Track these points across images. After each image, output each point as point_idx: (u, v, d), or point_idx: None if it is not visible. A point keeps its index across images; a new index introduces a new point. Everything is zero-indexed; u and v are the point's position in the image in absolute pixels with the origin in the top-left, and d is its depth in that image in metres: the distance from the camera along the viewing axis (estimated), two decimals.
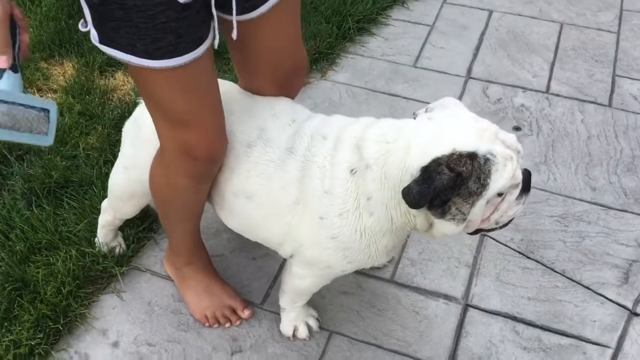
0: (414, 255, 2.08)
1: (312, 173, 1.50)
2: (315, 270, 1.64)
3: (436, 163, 1.33)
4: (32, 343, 1.75)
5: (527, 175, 1.45)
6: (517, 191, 1.42)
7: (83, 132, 2.37)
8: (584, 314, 1.93)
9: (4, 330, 1.78)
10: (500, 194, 1.40)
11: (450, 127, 1.39)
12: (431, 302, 1.96)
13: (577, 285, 2.01)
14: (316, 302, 1.94)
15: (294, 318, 1.83)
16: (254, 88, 1.67)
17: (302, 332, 1.84)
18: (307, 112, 1.66)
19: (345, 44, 2.96)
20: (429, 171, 1.33)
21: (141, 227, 2.08)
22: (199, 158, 1.51)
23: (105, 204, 1.93)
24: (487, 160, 1.34)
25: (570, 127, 2.57)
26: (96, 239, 2.01)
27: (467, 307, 1.94)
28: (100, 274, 1.97)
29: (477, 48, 2.98)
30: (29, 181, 2.17)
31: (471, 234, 1.53)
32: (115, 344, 1.83)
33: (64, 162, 2.23)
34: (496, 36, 3.05)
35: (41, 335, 1.78)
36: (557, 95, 2.72)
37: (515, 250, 2.10)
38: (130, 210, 1.87)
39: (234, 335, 1.86)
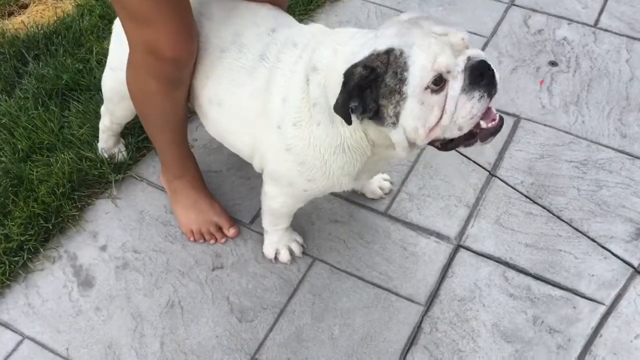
0: (413, 189, 2.00)
1: (275, 80, 1.45)
2: (281, 188, 1.60)
3: (353, 66, 1.26)
4: (22, 239, 1.82)
5: (476, 64, 1.23)
6: (457, 84, 1.24)
7: (100, 37, 2.36)
8: (582, 266, 1.82)
9: None
10: (432, 90, 1.23)
11: (382, 33, 1.30)
12: (422, 239, 1.89)
13: (582, 236, 1.89)
14: (305, 228, 1.91)
15: (276, 241, 1.81)
16: None
17: (284, 256, 1.82)
18: (291, 21, 1.59)
19: None
20: (346, 75, 1.26)
21: (142, 136, 2.08)
22: (164, 58, 1.48)
23: (103, 108, 1.93)
24: (402, 52, 1.23)
25: (613, 66, 2.36)
26: (98, 144, 2.03)
27: (458, 247, 1.87)
28: (97, 179, 2.00)
29: None
30: (41, 81, 2.20)
31: (443, 149, 1.36)
32: (103, 248, 1.88)
33: (76, 65, 2.23)
34: None
35: (32, 232, 1.84)
36: (606, 30, 2.49)
37: (522, 193, 1.99)
38: (122, 113, 1.85)
39: (217, 251, 1.87)
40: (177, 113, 1.69)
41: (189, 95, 1.66)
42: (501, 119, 1.33)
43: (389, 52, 1.25)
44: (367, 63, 1.26)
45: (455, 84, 1.24)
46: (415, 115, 1.26)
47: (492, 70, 1.26)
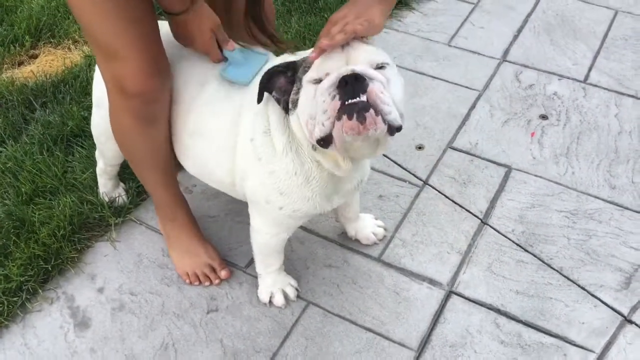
0: (407, 236, 2.04)
1: (248, 99, 1.55)
2: (261, 214, 1.65)
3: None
4: (22, 279, 1.85)
5: (351, 75, 1.31)
6: (329, 80, 1.33)
7: None
8: (573, 314, 1.84)
9: None
10: (314, 81, 1.37)
11: None
12: (414, 284, 1.92)
13: (572, 284, 1.92)
14: (299, 272, 1.95)
15: (270, 284, 1.84)
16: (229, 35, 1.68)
17: (278, 300, 1.85)
18: (269, 55, 1.69)
19: None
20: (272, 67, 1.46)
21: None
22: (130, 93, 1.54)
23: (97, 151, 2.00)
24: (304, 59, 1.43)
25: (602, 120, 2.43)
26: (99, 189, 2.09)
27: (450, 293, 1.90)
28: (97, 222, 2.05)
29: (519, 30, 2.85)
30: (47, 128, 2.27)
31: (322, 145, 1.39)
32: (100, 290, 1.91)
33: (81, 113, 2.31)
34: (542, 19, 2.91)
35: (31, 273, 1.87)
36: (595, 85, 2.57)
37: (513, 241, 2.03)
38: (112, 154, 1.90)
39: (213, 294, 1.90)
40: (158, 151, 1.74)
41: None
42: (360, 123, 1.33)
43: (304, 58, 1.44)
44: (291, 63, 1.45)
45: (326, 82, 1.35)
46: (304, 102, 1.40)
47: (364, 84, 1.31)
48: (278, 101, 1.47)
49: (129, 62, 1.49)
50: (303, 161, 1.51)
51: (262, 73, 1.58)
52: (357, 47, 1.38)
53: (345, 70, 1.33)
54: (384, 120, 1.32)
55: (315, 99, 1.35)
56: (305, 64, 1.41)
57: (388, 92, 1.34)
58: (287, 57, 1.61)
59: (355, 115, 1.30)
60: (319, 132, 1.35)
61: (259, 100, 1.47)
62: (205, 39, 1.59)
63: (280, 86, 1.45)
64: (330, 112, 1.32)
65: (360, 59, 1.36)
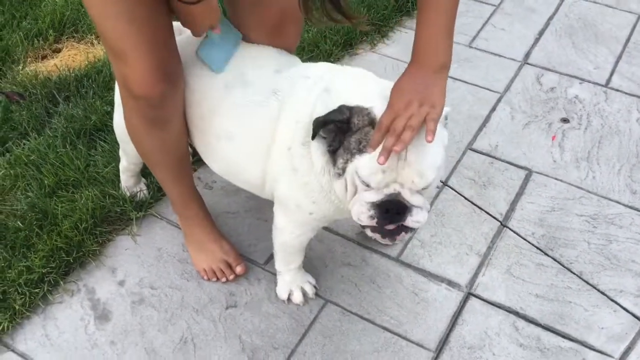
0: (425, 237, 2.04)
1: (289, 107, 1.54)
2: (289, 215, 1.65)
3: (346, 106, 1.40)
4: (44, 271, 1.87)
5: (394, 203, 1.39)
6: (372, 195, 1.40)
7: None
8: (592, 319, 1.84)
9: (20, 256, 1.90)
10: (362, 182, 1.40)
11: (380, 90, 1.45)
12: (433, 285, 1.92)
13: (592, 289, 1.91)
14: (318, 270, 1.95)
15: (289, 282, 1.85)
16: (243, 34, 1.67)
17: (297, 297, 1.86)
18: (296, 60, 1.69)
19: (401, 18, 2.91)
20: (338, 108, 1.41)
21: None
22: (135, 96, 1.54)
23: (120, 150, 2.01)
24: (359, 127, 1.40)
25: (624, 125, 2.41)
26: (121, 183, 2.11)
27: (469, 295, 1.90)
28: (119, 216, 2.06)
29: (541, 33, 2.84)
30: (70, 121, 2.29)
31: (363, 228, 1.51)
32: (121, 283, 1.93)
33: (104, 107, 2.33)
34: (564, 22, 2.89)
35: (53, 265, 1.89)
36: (617, 90, 2.56)
37: (533, 245, 2.02)
38: (133, 152, 1.89)
39: (232, 290, 1.91)
40: (169, 152, 1.74)
41: (189, 135, 1.74)
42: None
43: (372, 122, 1.40)
44: (353, 113, 1.41)
45: (369, 195, 1.40)
46: (349, 183, 1.44)
47: (404, 216, 1.41)
48: (324, 139, 1.46)
49: (135, 65, 1.49)
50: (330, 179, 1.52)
51: (234, 58, 1.62)
52: (412, 167, 1.36)
53: (392, 192, 1.39)
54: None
55: (358, 195, 1.43)
56: (360, 136, 1.39)
57: (425, 207, 1.43)
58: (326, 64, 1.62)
59: (387, 237, 1.47)
60: (349, 210, 1.47)
61: (313, 137, 1.45)
62: (203, 29, 1.58)
63: (331, 129, 1.43)
64: (365, 223, 1.44)
65: (413, 185, 1.38)
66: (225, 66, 1.63)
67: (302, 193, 1.55)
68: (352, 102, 1.43)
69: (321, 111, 1.46)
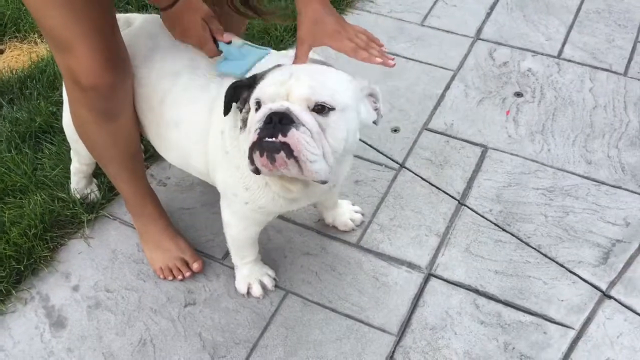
0: (384, 220, 2.03)
1: (222, 91, 1.50)
2: (230, 206, 1.63)
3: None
4: None
5: (279, 114, 1.28)
6: (260, 112, 1.31)
7: None
8: (551, 292, 1.85)
9: None
10: (256, 109, 1.35)
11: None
12: (393, 269, 1.91)
13: (551, 262, 1.92)
14: (277, 261, 1.93)
15: (247, 275, 1.82)
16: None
17: (256, 291, 1.83)
18: None
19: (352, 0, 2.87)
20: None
21: None
22: (85, 87, 1.50)
23: (72, 151, 1.96)
24: (272, 69, 1.40)
25: (577, 95, 2.42)
26: (71, 185, 2.05)
27: (429, 276, 1.89)
28: (70, 219, 2.01)
29: (492, 7, 2.83)
30: (15, 125, 2.22)
31: (254, 171, 1.38)
32: (75, 288, 1.88)
33: (49, 108, 2.26)
34: None
35: (3, 274, 1.84)
36: (569, 60, 2.56)
37: (491, 221, 2.02)
38: (85, 152, 1.85)
39: (190, 287, 1.87)
40: (119, 146, 1.70)
41: (140, 127, 1.71)
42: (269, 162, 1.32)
43: (275, 67, 1.42)
44: (261, 73, 1.42)
45: (259, 114, 1.33)
46: (248, 124, 1.39)
47: (287, 127, 1.28)
48: (241, 111, 1.45)
49: (80, 55, 1.45)
50: None
51: (259, 66, 1.54)
52: (302, 80, 1.31)
53: (279, 106, 1.29)
54: (300, 167, 1.29)
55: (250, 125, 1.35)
56: (259, 81, 1.38)
57: (318, 141, 1.29)
58: (287, 53, 1.59)
59: (265, 154, 1.29)
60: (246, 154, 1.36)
61: (226, 112, 1.44)
62: (198, 29, 1.54)
63: (244, 98, 1.43)
64: (248, 139, 1.32)
65: (300, 95, 1.30)
66: (247, 71, 1.56)
67: (235, 178, 1.52)
68: None
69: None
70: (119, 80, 1.55)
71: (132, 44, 1.61)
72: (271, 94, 1.32)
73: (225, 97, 1.43)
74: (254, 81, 1.41)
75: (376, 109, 1.45)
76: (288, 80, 1.32)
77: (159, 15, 1.69)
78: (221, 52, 1.58)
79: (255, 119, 1.32)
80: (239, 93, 1.44)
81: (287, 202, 1.54)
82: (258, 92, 1.35)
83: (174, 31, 1.58)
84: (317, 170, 1.30)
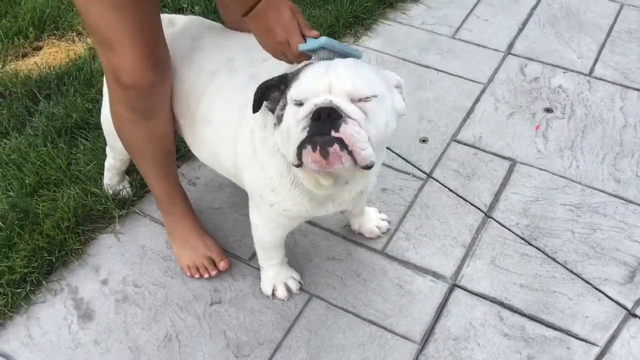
0: (410, 229, 2.04)
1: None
2: (257, 208, 1.65)
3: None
4: (26, 271, 1.85)
5: (326, 109, 1.28)
6: (305, 110, 1.31)
7: None
8: (577, 308, 1.84)
9: (1, 257, 1.88)
10: (297, 105, 1.34)
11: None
12: (418, 277, 1.92)
13: (577, 278, 1.91)
14: (302, 265, 1.95)
15: (272, 277, 1.84)
16: (232, 23, 1.68)
17: (281, 293, 1.85)
18: None
19: (385, 10, 2.89)
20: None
21: None
22: (124, 85, 1.53)
23: (107, 147, 1.99)
24: (306, 65, 1.39)
25: (607, 114, 2.42)
26: (104, 181, 2.09)
27: (454, 286, 1.89)
28: (101, 214, 2.05)
29: (524, 23, 2.84)
30: (51, 120, 2.27)
31: (296, 165, 1.38)
32: (104, 281, 1.91)
33: (85, 105, 2.31)
34: (548, 12, 2.89)
35: (35, 265, 1.88)
36: (600, 79, 2.56)
37: (517, 235, 2.02)
38: (121, 147, 1.87)
39: (216, 286, 1.90)
40: (155, 144, 1.73)
41: (176, 126, 1.74)
42: (322, 157, 1.31)
43: (295, 72, 1.41)
44: (286, 74, 1.42)
45: (302, 111, 1.32)
46: (285, 120, 1.38)
47: (337, 122, 1.28)
48: (271, 111, 1.45)
49: (123, 53, 1.49)
50: (290, 165, 1.47)
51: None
52: (342, 74, 1.32)
53: (323, 100, 1.30)
54: (354, 159, 1.30)
55: (293, 122, 1.35)
56: (295, 79, 1.38)
57: (365, 128, 1.30)
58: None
59: (318, 148, 1.28)
60: (289, 156, 1.37)
61: (255, 110, 1.44)
62: (286, 20, 1.41)
63: (275, 97, 1.43)
64: (296, 140, 1.32)
65: (343, 89, 1.31)
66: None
67: (262, 178, 1.54)
68: None
69: None
70: (159, 80, 1.58)
71: (174, 44, 1.65)
72: (313, 90, 1.33)
73: (255, 95, 1.43)
74: (284, 80, 1.42)
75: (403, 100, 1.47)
76: (327, 74, 1.33)
77: (201, 18, 1.73)
78: (309, 57, 1.47)
79: (300, 115, 1.32)
80: (268, 92, 1.45)
81: (312, 207, 1.56)
82: (297, 89, 1.35)
83: (262, 35, 1.46)
84: (368, 155, 1.31)
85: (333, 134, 1.28)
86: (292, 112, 1.35)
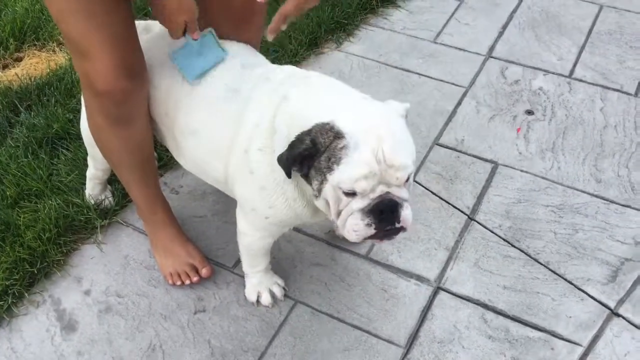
0: None
1: (249, 109, 1.52)
2: (247, 218, 1.64)
3: (306, 133, 1.35)
4: (7, 283, 1.84)
5: (386, 202, 1.35)
6: (359, 204, 1.35)
7: None
8: (560, 308, 1.85)
9: None
10: (346, 193, 1.35)
11: (352, 106, 1.41)
12: (402, 281, 1.92)
13: (559, 278, 1.92)
14: (287, 271, 1.94)
15: (256, 284, 1.84)
16: (210, 25, 1.66)
17: (265, 299, 1.85)
18: (262, 59, 1.68)
19: (366, 16, 2.91)
20: (296, 141, 1.36)
21: None
22: (99, 93, 1.53)
23: (88, 156, 1.99)
24: (345, 146, 1.32)
25: (588, 115, 2.44)
26: (86, 191, 2.08)
27: (438, 289, 1.90)
28: (84, 224, 2.03)
29: (505, 27, 2.86)
30: (32, 130, 2.26)
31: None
32: (87, 292, 1.90)
33: (66, 115, 2.30)
34: (528, 15, 2.92)
35: (17, 277, 1.86)
36: (580, 80, 2.58)
37: (500, 237, 2.03)
38: (101, 157, 1.86)
39: (200, 295, 1.89)
40: (133, 152, 1.73)
41: (157, 133, 1.74)
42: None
43: (337, 135, 1.33)
44: (315, 136, 1.35)
45: (359, 203, 1.36)
46: (327, 195, 1.39)
47: (397, 213, 1.37)
48: (303, 175, 1.43)
49: (96, 62, 1.48)
50: (303, 189, 1.50)
51: (210, 71, 1.59)
52: (391, 161, 1.32)
53: (380, 194, 1.34)
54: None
55: (346, 209, 1.37)
56: (329, 153, 1.33)
57: (409, 198, 1.40)
58: (289, 68, 1.60)
59: (386, 238, 1.42)
60: (343, 232, 1.42)
61: (289, 176, 1.40)
62: (177, 25, 1.54)
63: (308, 165, 1.39)
64: (363, 235, 1.38)
65: (400, 181, 1.35)
66: (199, 77, 1.60)
67: (258, 197, 1.54)
68: (307, 114, 1.39)
69: (280, 122, 1.45)
70: (134, 88, 1.58)
71: (149, 50, 1.64)
72: (365, 188, 1.33)
73: (284, 165, 1.38)
74: (314, 147, 1.35)
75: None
76: (378, 168, 1.32)
77: None
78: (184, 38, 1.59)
79: (355, 206, 1.35)
80: (297, 162, 1.39)
81: (307, 217, 1.56)
82: (345, 180, 1.33)
83: (154, 12, 1.56)
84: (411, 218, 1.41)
85: (397, 225, 1.38)
86: (340, 196, 1.36)
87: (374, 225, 1.37)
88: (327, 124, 1.35)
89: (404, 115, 1.45)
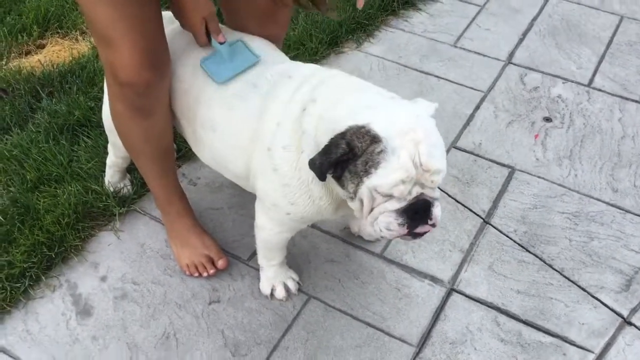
0: None
1: (270, 107, 1.52)
2: (267, 213, 1.65)
3: (340, 136, 1.35)
4: (25, 266, 1.86)
5: (420, 203, 1.38)
6: (394, 205, 1.37)
7: None
8: (573, 315, 1.85)
9: (1, 251, 1.89)
10: (383, 195, 1.36)
11: (384, 107, 1.40)
12: (416, 281, 1.93)
13: (573, 285, 1.93)
14: (301, 266, 1.95)
15: (271, 277, 1.85)
16: (235, 23, 1.68)
17: (279, 293, 1.86)
18: (283, 56, 1.68)
19: (387, 17, 2.92)
20: (331, 144, 1.35)
21: None
22: (122, 83, 1.54)
23: (109, 144, 2.00)
24: (382, 151, 1.32)
25: (606, 124, 2.44)
26: (105, 178, 2.10)
27: (451, 291, 1.91)
28: (102, 211, 2.05)
29: (525, 33, 2.86)
30: (54, 117, 2.28)
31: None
32: (103, 278, 1.92)
33: (88, 103, 2.32)
34: (548, 23, 2.92)
35: (35, 260, 1.88)
36: (599, 90, 2.58)
37: (515, 241, 2.03)
38: (121, 144, 1.86)
39: (215, 286, 1.90)
40: (153, 142, 1.74)
41: (177, 125, 1.75)
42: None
43: (374, 140, 1.33)
44: (351, 140, 1.34)
45: (394, 204, 1.38)
46: (365, 201, 1.40)
47: (430, 212, 1.40)
48: (335, 177, 1.43)
49: (121, 51, 1.49)
50: (330, 187, 1.51)
51: (242, 74, 1.59)
52: (427, 166, 1.33)
53: (416, 195, 1.37)
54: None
55: (379, 207, 1.39)
56: (366, 157, 1.33)
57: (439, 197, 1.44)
58: (312, 66, 1.61)
59: (417, 237, 1.45)
60: (370, 228, 1.44)
61: (323, 179, 1.39)
62: (195, 24, 1.58)
63: (342, 167, 1.39)
64: (396, 234, 1.42)
65: (435, 183, 1.37)
66: (228, 80, 1.60)
67: (281, 193, 1.54)
68: (336, 116, 1.40)
69: (308, 124, 1.45)
70: (156, 79, 1.58)
71: (173, 41, 1.65)
72: (402, 191, 1.35)
73: (318, 171, 1.37)
74: (351, 151, 1.35)
75: None
76: (415, 173, 1.33)
77: None
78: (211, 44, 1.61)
79: (390, 206, 1.37)
80: (332, 166, 1.39)
81: (328, 213, 1.57)
82: (383, 185, 1.34)
83: (174, 13, 1.61)
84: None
85: (429, 222, 1.41)
86: (380, 198, 1.38)
87: (406, 225, 1.39)
88: (363, 127, 1.34)
89: (433, 115, 1.45)
